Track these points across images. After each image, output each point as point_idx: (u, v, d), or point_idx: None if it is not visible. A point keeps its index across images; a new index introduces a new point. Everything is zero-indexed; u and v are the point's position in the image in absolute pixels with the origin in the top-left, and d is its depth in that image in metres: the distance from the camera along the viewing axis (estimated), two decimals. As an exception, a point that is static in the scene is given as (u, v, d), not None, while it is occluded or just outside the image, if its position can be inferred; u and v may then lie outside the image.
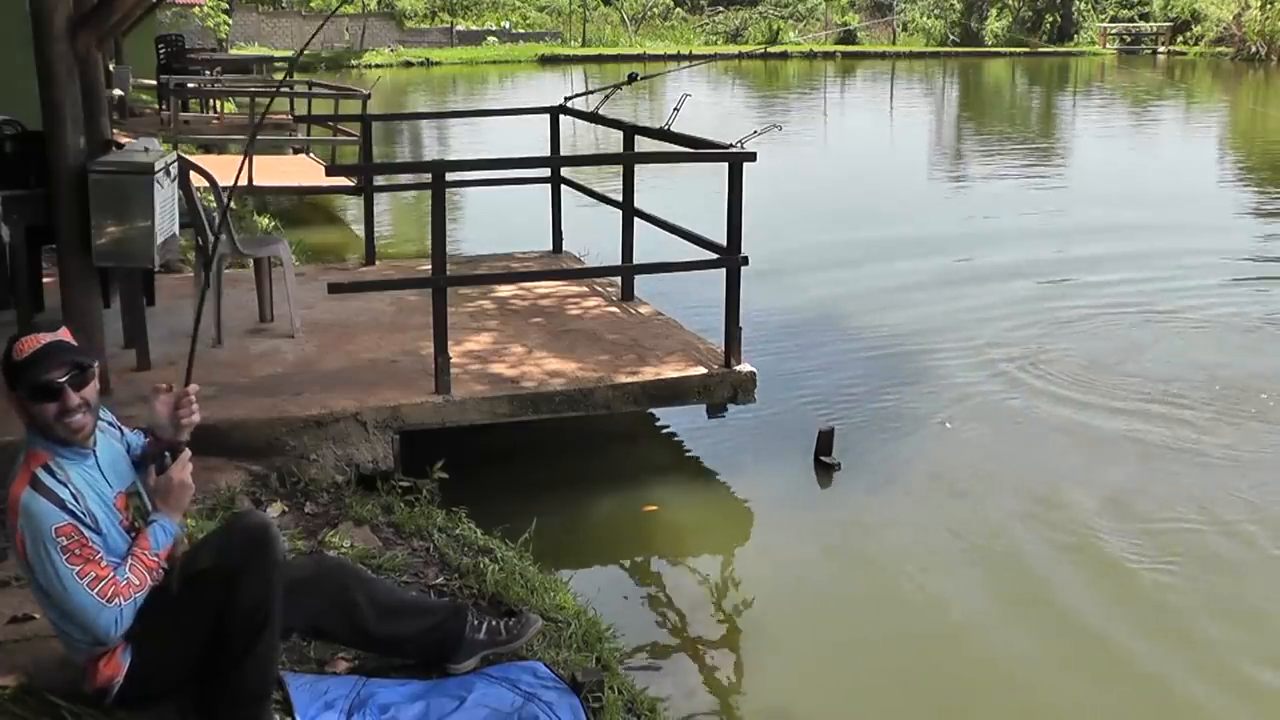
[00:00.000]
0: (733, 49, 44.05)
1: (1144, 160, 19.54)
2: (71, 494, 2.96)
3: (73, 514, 2.93)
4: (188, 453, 3.18)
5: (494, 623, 3.68)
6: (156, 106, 14.60)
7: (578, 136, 16.26)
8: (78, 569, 2.90)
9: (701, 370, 6.11)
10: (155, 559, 3.06)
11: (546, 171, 8.79)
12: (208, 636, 3.04)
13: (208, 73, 17.51)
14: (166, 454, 3.18)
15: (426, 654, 3.59)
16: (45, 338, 3.01)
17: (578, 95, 9.20)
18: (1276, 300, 9.65)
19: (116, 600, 2.94)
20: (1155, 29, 47.73)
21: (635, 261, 7.36)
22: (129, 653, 3.06)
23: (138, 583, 2.99)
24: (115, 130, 7.77)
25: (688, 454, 6.44)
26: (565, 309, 7.26)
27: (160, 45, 17.55)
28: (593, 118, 8.24)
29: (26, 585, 3.88)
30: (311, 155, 13.37)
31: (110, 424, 3.27)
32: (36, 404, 2.97)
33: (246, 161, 10.80)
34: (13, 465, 3.02)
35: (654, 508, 5.62)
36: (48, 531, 2.89)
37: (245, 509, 3.15)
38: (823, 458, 6.10)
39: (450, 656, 3.58)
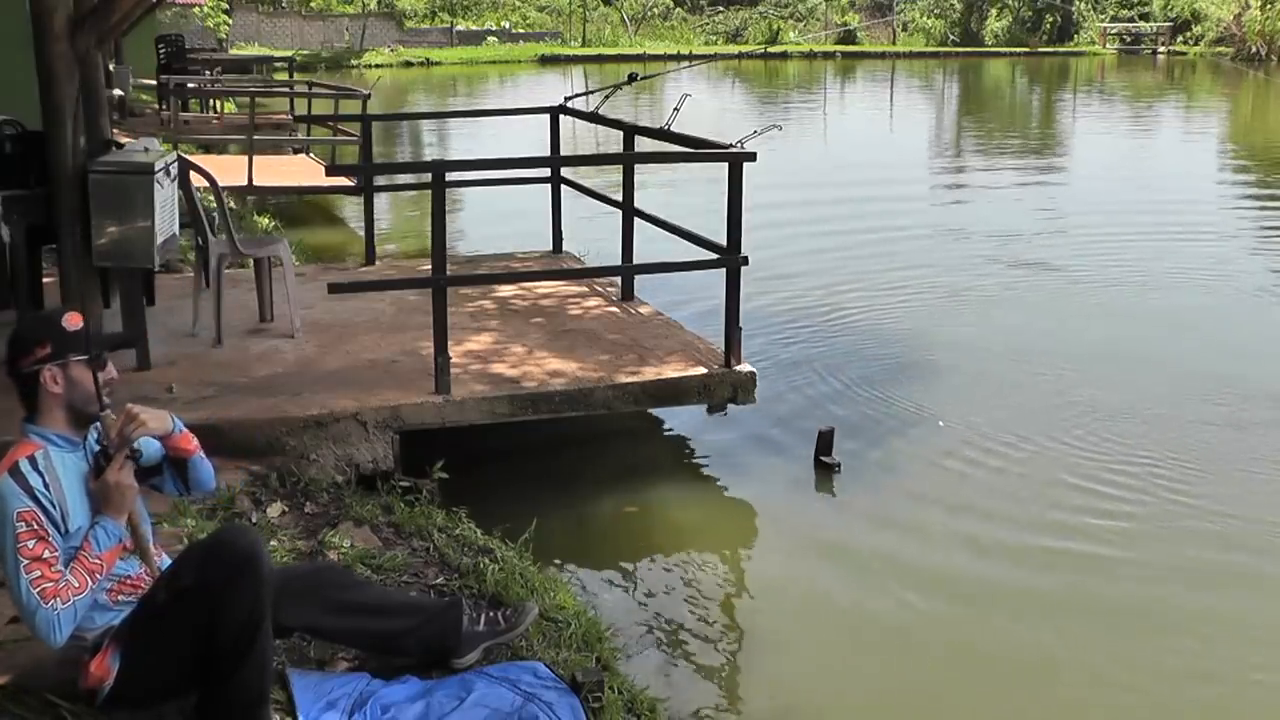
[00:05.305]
0: (733, 49, 44.03)
1: (1143, 160, 19.52)
2: (44, 484, 2.98)
3: (38, 501, 2.95)
4: (122, 455, 3.12)
5: (491, 614, 3.72)
6: (156, 106, 14.59)
7: (578, 136, 16.26)
8: (26, 562, 2.90)
9: (701, 370, 6.11)
10: (97, 561, 3.00)
11: (546, 171, 8.79)
12: (196, 650, 3.00)
13: (208, 73, 17.51)
14: (102, 458, 3.15)
15: (428, 650, 3.60)
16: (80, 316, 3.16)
17: (578, 95, 9.20)
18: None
19: (54, 602, 2.89)
20: (1155, 29, 47.71)
21: (635, 261, 7.37)
22: (117, 657, 3.05)
23: (77, 585, 2.94)
24: (115, 130, 7.76)
25: (688, 454, 6.44)
26: (565, 309, 7.26)
27: (160, 45, 17.54)
28: (593, 118, 8.24)
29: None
30: (311, 155, 13.35)
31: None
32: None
33: (248, 161, 10.90)
34: None
35: (634, 509, 5.62)
36: (11, 514, 2.92)
37: (230, 523, 3.08)
38: (823, 458, 6.10)
39: (453, 651, 3.60)
